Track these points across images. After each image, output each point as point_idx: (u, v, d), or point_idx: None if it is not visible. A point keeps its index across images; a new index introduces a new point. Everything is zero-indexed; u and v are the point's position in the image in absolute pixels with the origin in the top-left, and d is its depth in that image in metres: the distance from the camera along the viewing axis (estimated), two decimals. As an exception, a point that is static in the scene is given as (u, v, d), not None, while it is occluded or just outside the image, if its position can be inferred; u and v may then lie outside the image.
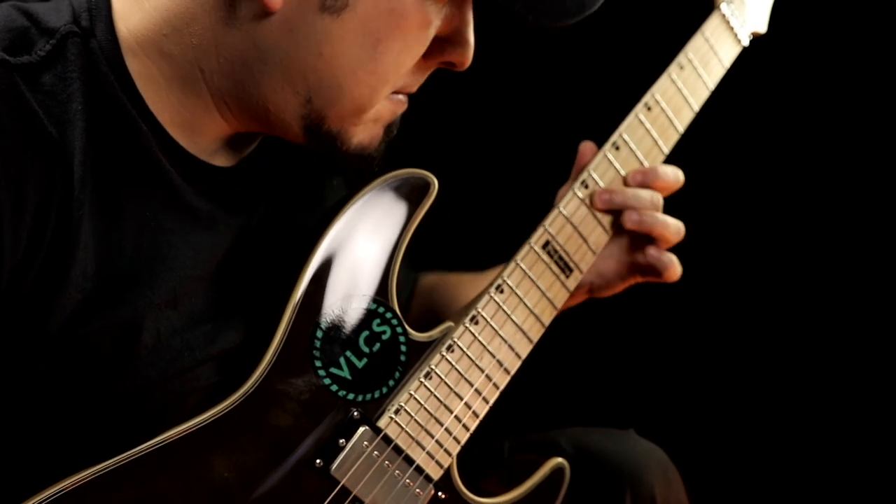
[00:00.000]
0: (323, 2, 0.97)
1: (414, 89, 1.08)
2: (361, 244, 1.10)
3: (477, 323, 1.15)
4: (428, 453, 1.11)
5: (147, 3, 1.00)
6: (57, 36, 0.98)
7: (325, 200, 1.19)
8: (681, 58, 1.28)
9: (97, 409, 0.99)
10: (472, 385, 1.14)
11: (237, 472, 1.01)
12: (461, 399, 1.13)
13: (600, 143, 1.24)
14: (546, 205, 1.24)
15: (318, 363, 1.06)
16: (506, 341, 1.16)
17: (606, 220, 1.24)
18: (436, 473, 1.12)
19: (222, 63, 1.00)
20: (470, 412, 1.14)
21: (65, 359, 0.97)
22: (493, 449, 1.35)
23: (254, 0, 0.97)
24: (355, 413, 1.08)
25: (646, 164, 1.25)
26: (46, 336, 0.95)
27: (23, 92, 0.93)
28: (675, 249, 1.29)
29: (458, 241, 1.82)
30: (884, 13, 1.86)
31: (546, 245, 1.19)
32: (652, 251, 1.26)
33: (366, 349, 1.09)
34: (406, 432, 1.10)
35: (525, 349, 1.18)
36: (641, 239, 1.27)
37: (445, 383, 1.12)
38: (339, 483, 1.06)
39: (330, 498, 1.06)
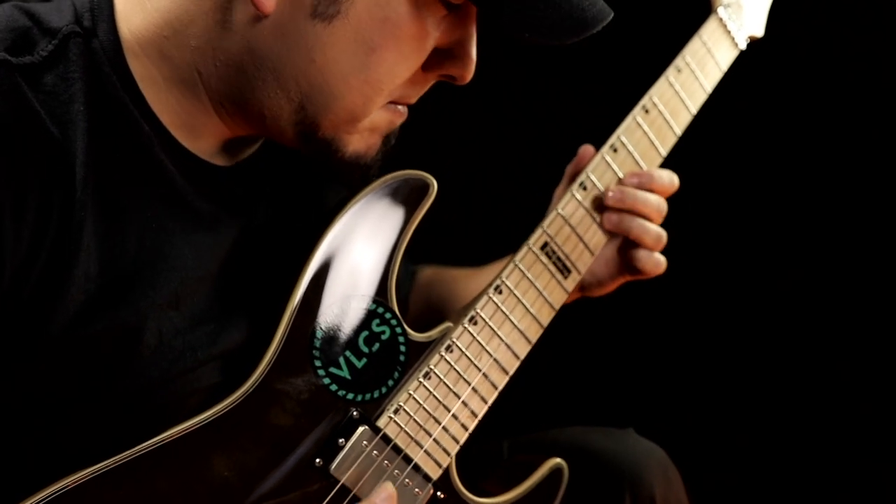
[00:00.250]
0: (315, 8, 0.97)
1: (413, 100, 1.07)
2: (361, 245, 1.11)
3: (475, 323, 1.15)
4: (426, 453, 1.12)
5: (149, 4, 1.00)
6: (59, 36, 0.97)
7: (327, 201, 1.18)
8: (678, 61, 1.28)
9: (99, 410, 1.00)
10: (470, 385, 1.14)
11: (237, 471, 1.02)
12: (460, 399, 1.14)
13: (598, 146, 1.25)
14: (544, 206, 1.25)
15: (317, 363, 1.07)
16: (504, 341, 1.17)
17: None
18: (434, 473, 1.12)
19: (219, 66, 1.00)
20: (468, 412, 1.14)
21: (67, 359, 0.97)
22: (493, 449, 1.35)
23: (248, 4, 0.97)
24: (354, 413, 1.08)
25: (643, 165, 1.26)
26: (49, 337, 0.95)
27: (25, 92, 0.93)
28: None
29: (457, 242, 1.82)
30: (880, 18, 1.86)
31: (544, 246, 1.20)
32: (642, 254, 1.26)
33: (365, 349, 1.10)
34: (405, 432, 1.11)
35: (523, 349, 1.18)
36: (631, 242, 1.27)
37: (444, 383, 1.13)
38: (338, 482, 1.06)
39: (329, 497, 1.06)
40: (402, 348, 1.12)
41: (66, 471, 0.95)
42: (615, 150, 1.24)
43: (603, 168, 1.24)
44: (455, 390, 1.13)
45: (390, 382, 1.11)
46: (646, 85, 1.27)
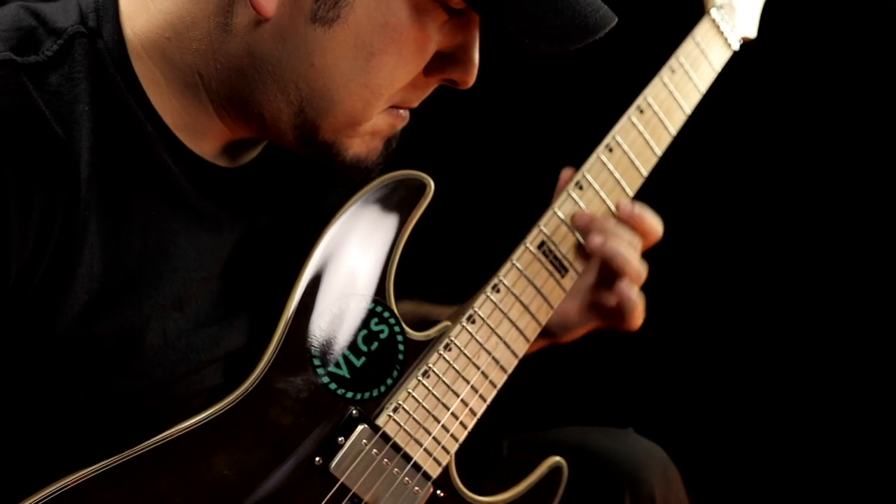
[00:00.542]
0: (314, 12, 0.97)
1: (415, 104, 1.06)
2: (359, 244, 1.11)
3: (474, 322, 1.16)
4: (426, 451, 1.12)
5: (152, 5, 1.00)
6: (64, 36, 0.98)
7: (329, 205, 1.17)
8: (672, 62, 1.29)
9: (102, 409, 1.00)
10: (469, 383, 1.15)
11: (236, 470, 1.02)
12: (459, 397, 1.14)
13: (594, 145, 1.25)
14: (542, 206, 1.26)
15: (316, 362, 1.07)
16: (502, 340, 1.17)
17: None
18: (434, 471, 1.13)
19: (219, 69, 1.00)
20: (467, 410, 1.15)
21: (71, 359, 0.97)
22: (492, 448, 1.35)
23: (248, 7, 0.97)
24: (354, 411, 1.09)
25: (639, 165, 1.26)
26: (53, 336, 0.95)
27: (30, 92, 0.93)
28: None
29: (455, 242, 1.83)
30: (874, 19, 1.87)
31: (541, 245, 1.21)
32: (623, 285, 1.21)
33: (364, 348, 1.10)
34: (404, 430, 1.11)
35: (521, 348, 1.19)
36: (607, 279, 1.24)
37: (443, 382, 1.13)
38: (338, 481, 1.07)
39: (329, 496, 1.06)
40: (401, 347, 1.13)
41: (67, 470, 0.96)
42: (610, 150, 1.25)
43: (599, 167, 1.24)
44: (454, 389, 1.14)
45: (389, 381, 1.11)
46: (640, 86, 1.27)
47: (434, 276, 1.67)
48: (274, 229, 1.13)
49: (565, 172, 1.26)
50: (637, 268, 1.21)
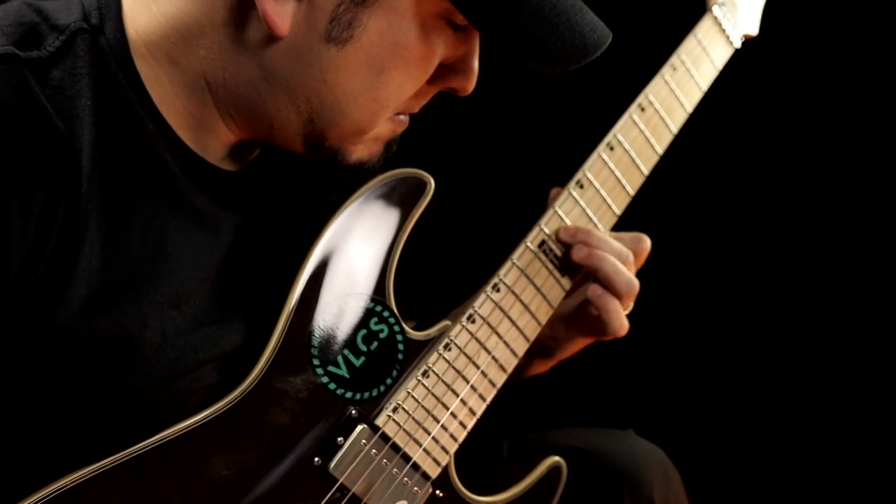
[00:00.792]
0: (329, 32, 0.99)
1: (416, 110, 1.10)
2: (358, 243, 1.11)
3: (474, 322, 1.16)
4: (425, 451, 1.12)
5: (155, 7, 1.01)
6: (67, 32, 0.99)
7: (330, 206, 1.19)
8: (674, 59, 1.29)
9: (100, 408, 1.00)
10: (469, 383, 1.15)
11: (235, 470, 1.02)
12: (458, 397, 1.14)
13: (595, 143, 1.25)
14: (542, 205, 1.25)
15: (315, 361, 1.07)
16: (502, 339, 1.17)
17: (602, 220, 1.25)
18: (433, 471, 1.12)
19: (228, 79, 1.02)
20: (467, 410, 1.14)
21: (70, 356, 0.97)
22: (492, 449, 1.35)
23: (262, 24, 0.98)
24: (353, 411, 1.08)
25: (640, 163, 1.26)
26: (52, 332, 0.96)
27: (32, 86, 0.94)
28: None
29: (455, 241, 1.83)
30: (875, 17, 1.87)
31: (542, 244, 1.20)
32: (596, 292, 1.19)
33: (363, 348, 1.10)
34: (404, 430, 1.11)
35: (521, 347, 1.18)
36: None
37: (443, 381, 1.13)
38: (337, 481, 1.06)
39: (328, 496, 1.06)
40: (401, 347, 1.12)
41: (66, 470, 0.95)
42: (612, 148, 1.25)
43: (600, 166, 1.24)
44: (454, 388, 1.14)
45: (389, 381, 1.11)
46: (641, 83, 1.27)
47: (434, 276, 1.67)
48: (273, 229, 1.13)
49: (554, 192, 1.24)
50: (626, 279, 1.20)
